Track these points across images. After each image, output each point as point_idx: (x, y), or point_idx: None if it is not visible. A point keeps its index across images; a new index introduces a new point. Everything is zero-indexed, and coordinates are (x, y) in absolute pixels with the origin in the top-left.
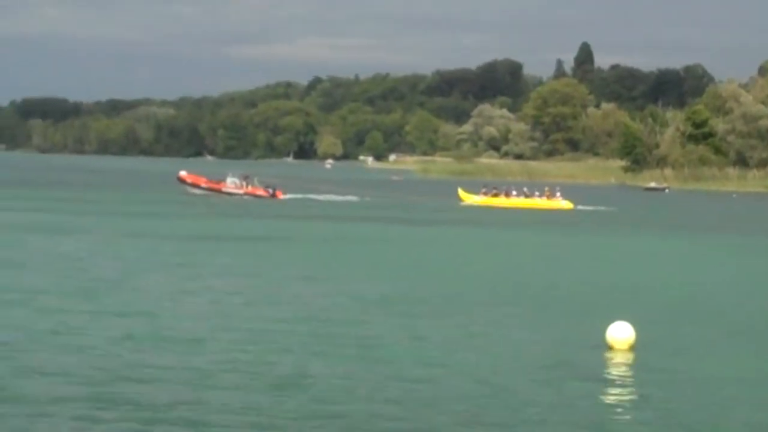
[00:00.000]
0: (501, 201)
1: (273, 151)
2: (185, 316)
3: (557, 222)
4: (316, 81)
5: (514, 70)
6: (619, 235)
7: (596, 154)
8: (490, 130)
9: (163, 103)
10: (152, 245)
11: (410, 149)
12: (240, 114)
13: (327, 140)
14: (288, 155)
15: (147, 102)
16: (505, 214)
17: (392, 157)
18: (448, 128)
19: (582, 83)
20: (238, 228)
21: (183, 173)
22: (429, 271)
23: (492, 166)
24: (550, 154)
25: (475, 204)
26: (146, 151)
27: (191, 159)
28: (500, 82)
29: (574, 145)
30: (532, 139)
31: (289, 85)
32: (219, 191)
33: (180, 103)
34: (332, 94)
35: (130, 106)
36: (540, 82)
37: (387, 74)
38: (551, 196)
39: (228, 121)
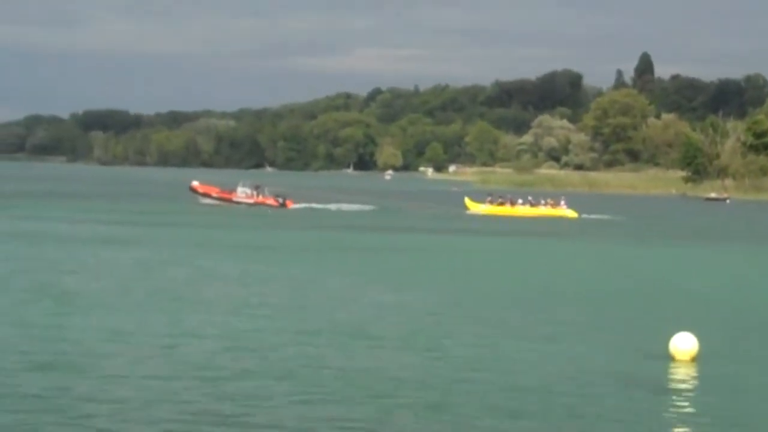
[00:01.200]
0: (506, 209)
1: (333, 162)
2: (255, 323)
3: (583, 232)
4: (376, 92)
5: (573, 80)
6: (658, 245)
7: (657, 165)
8: (550, 141)
9: (224, 115)
10: (218, 255)
11: (470, 160)
12: (300, 125)
13: (387, 151)
14: (348, 167)
15: (207, 114)
16: (526, 224)
17: (452, 168)
18: (508, 139)
19: (642, 94)
20: (250, 238)
21: (195, 183)
22: (473, 281)
23: (552, 176)
24: (610, 164)
25: (481, 213)
26: (207, 163)
27: (251, 171)
28: (560, 92)
29: (634, 156)
30: (592, 149)
31: (348, 96)
32: (230, 201)
33: (240, 115)
34: (392, 105)
35: (190, 117)
36: (600, 93)
37: (447, 85)
38: (555, 205)
39: (288, 132)
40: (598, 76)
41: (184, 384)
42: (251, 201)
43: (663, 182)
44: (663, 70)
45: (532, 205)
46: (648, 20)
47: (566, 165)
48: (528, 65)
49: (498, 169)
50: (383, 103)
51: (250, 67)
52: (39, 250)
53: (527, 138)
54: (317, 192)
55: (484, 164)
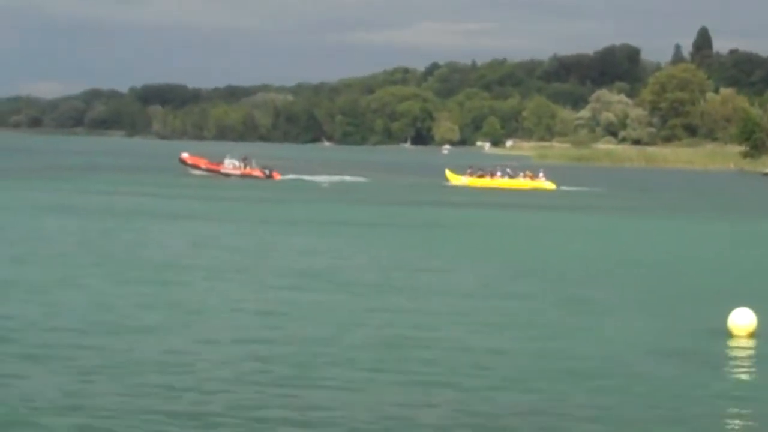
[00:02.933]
0: (486, 181)
1: (390, 137)
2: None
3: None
4: (434, 67)
5: (631, 55)
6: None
7: (714, 140)
8: (608, 116)
9: (281, 89)
10: (276, 228)
11: (527, 135)
12: (358, 100)
13: (444, 126)
14: (405, 141)
15: (265, 88)
16: (533, 197)
17: (509, 142)
18: (565, 114)
19: (700, 68)
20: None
21: (185, 155)
22: (528, 256)
23: (609, 151)
24: (667, 139)
25: (462, 184)
26: (264, 137)
27: (309, 145)
28: (618, 67)
29: (692, 131)
30: (650, 124)
31: (406, 70)
32: (218, 172)
33: (298, 89)
34: (449, 79)
35: (248, 92)
36: (658, 68)
37: (504, 59)
38: (534, 176)
39: (346, 107)
40: (656, 50)
41: (241, 350)
42: (238, 173)
43: (721, 157)
44: (721, 45)
45: (510, 176)
46: None
47: (624, 140)
48: (586, 39)
49: (555, 144)
50: (441, 78)
51: (308, 41)
52: (103, 224)
53: (585, 113)
54: (303, 164)
55: (542, 139)
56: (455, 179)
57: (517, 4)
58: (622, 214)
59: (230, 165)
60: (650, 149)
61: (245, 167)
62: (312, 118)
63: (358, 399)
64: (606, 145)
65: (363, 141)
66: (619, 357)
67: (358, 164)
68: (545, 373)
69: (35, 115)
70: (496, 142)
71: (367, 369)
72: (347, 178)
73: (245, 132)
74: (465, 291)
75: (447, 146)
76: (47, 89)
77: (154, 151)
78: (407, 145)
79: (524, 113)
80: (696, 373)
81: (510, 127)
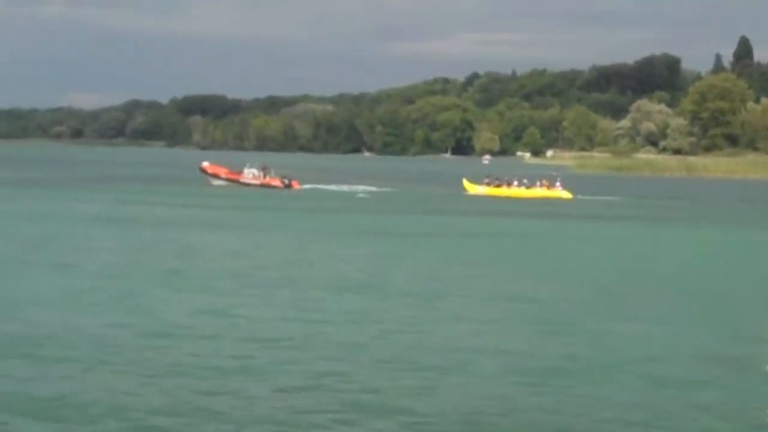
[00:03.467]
0: (503, 191)
1: (430, 147)
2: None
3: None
4: (474, 77)
5: (672, 64)
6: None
7: (756, 150)
8: (648, 126)
9: (322, 100)
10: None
11: (568, 145)
12: (398, 110)
13: (484, 136)
14: (446, 151)
15: (305, 99)
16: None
17: (549, 152)
18: (605, 123)
19: (741, 78)
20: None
21: (205, 164)
22: (571, 268)
23: (650, 161)
24: (708, 149)
25: (479, 194)
26: (305, 148)
27: (349, 155)
28: (658, 77)
29: (733, 141)
30: (691, 134)
31: (446, 81)
32: (237, 182)
33: (338, 100)
34: (489, 89)
35: (288, 102)
36: (698, 77)
37: (544, 69)
38: (551, 186)
39: (386, 117)
40: (696, 60)
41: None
42: (257, 182)
43: (762, 167)
44: (762, 55)
45: (527, 186)
46: (746, 3)
47: (664, 150)
48: (626, 49)
49: (596, 154)
50: (481, 88)
51: (347, 52)
52: (136, 233)
53: (625, 122)
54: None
55: (582, 149)
56: (472, 189)
57: (556, 15)
58: (641, 223)
59: (249, 174)
60: (691, 159)
61: (264, 177)
62: (352, 128)
63: (408, 404)
64: (646, 155)
65: (403, 151)
66: (663, 362)
67: (389, 174)
68: (589, 377)
69: (77, 126)
70: (537, 152)
71: (411, 371)
72: (373, 188)
73: (285, 142)
74: (495, 296)
75: (487, 156)
76: (88, 100)
77: (192, 162)
78: (447, 155)
79: (564, 123)
80: (742, 378)
81: (550, 137)
